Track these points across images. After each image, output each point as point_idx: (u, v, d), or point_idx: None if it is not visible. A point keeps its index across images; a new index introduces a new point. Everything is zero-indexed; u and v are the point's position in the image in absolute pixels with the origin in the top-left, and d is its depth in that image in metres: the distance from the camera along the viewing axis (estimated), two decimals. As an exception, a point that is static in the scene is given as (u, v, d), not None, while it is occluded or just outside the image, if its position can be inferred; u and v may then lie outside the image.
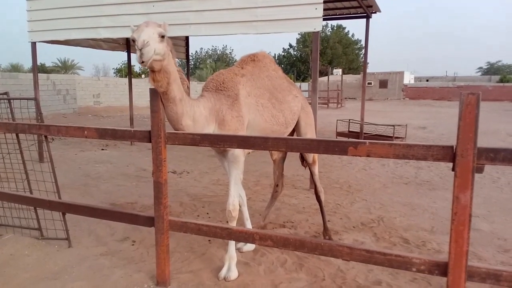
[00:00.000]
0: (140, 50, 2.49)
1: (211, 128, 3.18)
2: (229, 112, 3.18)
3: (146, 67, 2.65)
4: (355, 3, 9.93)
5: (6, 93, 3.85)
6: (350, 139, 2.48)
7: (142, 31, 2.54)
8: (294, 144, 2.66)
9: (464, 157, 2.12)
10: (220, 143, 2.83)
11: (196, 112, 3.07)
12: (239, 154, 3.24)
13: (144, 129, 3.03)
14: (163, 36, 2.65)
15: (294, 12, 5.93)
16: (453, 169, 2.18)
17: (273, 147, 2.75)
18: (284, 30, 6.18)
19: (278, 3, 6.00)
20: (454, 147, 2.15)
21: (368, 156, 2.38)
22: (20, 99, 3.84)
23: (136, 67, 40.50)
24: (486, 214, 5.08)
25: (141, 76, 39.23)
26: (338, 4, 10.21)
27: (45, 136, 3.66)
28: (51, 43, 8.42)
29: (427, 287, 3.21)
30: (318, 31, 5.96)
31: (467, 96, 2.08)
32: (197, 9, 6.44)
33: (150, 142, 2.98)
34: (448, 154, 2.19)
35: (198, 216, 4.96)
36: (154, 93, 2.88)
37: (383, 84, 43.55)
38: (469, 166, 2.12)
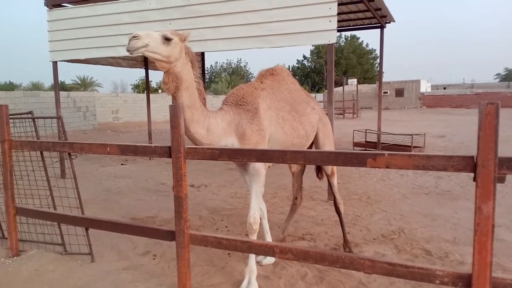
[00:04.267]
0: (129, 40, 2.75)
1: (230, 141, 3.23)
2: (249, 126, 3.23)
3: (132, 55, 2.92)
4: (369, 14, 9.96)
5: (30, 112, 3.99)
6: (369, 151, 2.49)
7: (145, 31, 2.84)
8: (313, 157, 2.68)
9: (485, 167, 2.10)
10: (239, 157, 2.87)
11: (212, 123, 3.15)
12: (259, 167, 3.27)
13: (164, 145, 3.09)
14: (168, 39, 2.85)
15: (308, 25, 5.99)
16: (474, 179, 2.16)
17: (291, 160, 2.77)
18: (298, 43, 6.24)
19: (292, 17, 6.08)
20: (475, 157, 2.14)
21: (387, 167, 2.38)
22: (45, 118, 3.97)
23: (153, 83, 41.24)
24: (509, 224, 4.97)
25: (158, 92, 39.83)
26: (352, 16, 10.26)
27: (69, 153, 3.76)
28: (72, 62, 8.68)
29: (451, 299, 3.14)
30: (332, 43, 6.00)
31: (486, 106, 2.07)
32: (213, 26, 6.58)
33: (170, 157, 3.03)
34: (469, 164, 2.17)
35: (217, 229, 4.99)
36: (174, 109, 2.94)
37: (399, 93, 43.16)
38: (491, 176, 2.10)
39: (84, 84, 44.70)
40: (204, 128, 3.09)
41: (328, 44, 6.06)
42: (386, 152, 2.37)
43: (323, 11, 5.84)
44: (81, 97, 20.48)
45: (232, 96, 3.42)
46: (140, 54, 2.85)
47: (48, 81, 45.92)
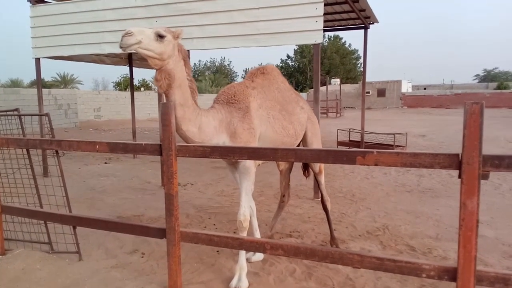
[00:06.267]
0: (122, 36, 2.74)
1: (221, 139, 3.26)
2: (240, 124, 3.26)
3: (125, 51, 2.94)
4: (353, 15, 10.08)
5: (16, 110, 3.93)
6: (358, 149, 2.56)
7: (138, 28, 2.84)
8: (303, 155, 2.73)
9: (470, 165, 2.18)
10: (230, 155, 2.90)
11: (203, 122, 3.17)
12: (250, 165, 3.31)
13: (154, 142, 3.10)
14: (161, 36, 2.86)
15: (295, 25, 6.04)
16: (459, 176, 2.25)
17: (282, 158, 2.82)
18: (285, 42, 6.29)
19: (279, 17, 6.12)
20: (460, 155, 2.22)
21: (376, 165, 2.45)
22: (31, 115, 3.92)
23: (136, 80, 40.82)
24: (489, 220, 5.12)
25: (140, 89, 39.44)
26: (337, 16, 10.37)
27: (56, 151, 3.72)
28: (55, 59, 8.54)
29: (435, 293, 3.25)
30: (319, 43, 6.07)
31: (471, 105, 2.15)
32: (199, 24, 6.57)
33: (161, 155, 3.04)
34: (454, 162, 2.25)
35: (205, 227, 5.01)
36: (165, 107, 2.95)
37: (381, 93, 43.82)
38: (475, 173, 2.18)
39: (65, 81, 43.96)
40: (196, 126, 3.11)
41: (314, 44, 6.13)
42: (375, 150, 2.44)
43: (309, 11, 5.90)
44: (62, 95, 20.13)
45: (223, 94, 3.44)
46: (133, 51, 2.84)
47: (27, 78, 44.98)
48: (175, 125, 3.01)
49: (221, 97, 3.43)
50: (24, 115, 3.85)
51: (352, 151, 2.51)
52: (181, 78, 3.01)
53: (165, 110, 2.98)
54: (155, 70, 2.97)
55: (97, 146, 3.34)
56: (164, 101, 3.11)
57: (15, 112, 3.87)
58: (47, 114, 3.64)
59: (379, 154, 2.42)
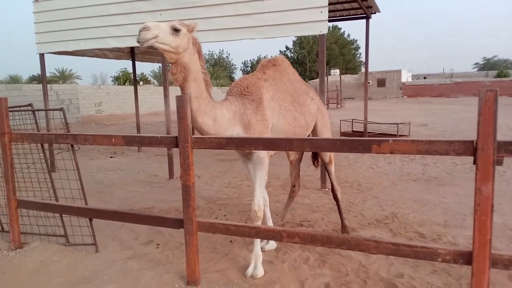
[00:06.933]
0: (139, 31, 2.78)
1: (235, 131, 3.31)
2: (253, 115, 3.31)
3: (142, 46, 3.00)
4: (355, 5, 10.07)
5: (30, 105, 3.98)
6: (373, 138, 2.61)
7: (154, 22, 2.88)
8: (319, 144, 2.79)
9: (485, 151, 2.24)
10: (246, 146, 2.95)
11: (218, 114, 3.22)
12: (264, 156, 3.36)
13: (170, 135, 3.15)
14: (177, 30, 2.90)
15: (299, 16, 6.06)
16: (474, 163, 2.31)
17: (298, 148, 2.87)
18: (290, 33, 6.32)
19: (284, 8, 6.13)
20: (475, 141, 2.28)
21: (391, 153, 2.50)
22: (47, 110, 3.97)
23: (135, 74, 40.65)
24: (496, 207, 5.10)
25: (139, 83, 39.35)
26: (339, 6, 10.35)
27: (72, 145, 3.78)
28: (59, 54, 8.54)
29: (447, 278, 3.32)
30: (323, 34, 6.10)
31: (486, 93, 2.21)
32: (205, 16, 6.57)
33: (177, 147, 3.09)
34: (469, 148, 2.31)
35: (216, 218, 5.07)
36: (180, 100, 2.99)
37: (381, 83, 43.83)
38: (490, 159, 2.24)
39: (63, 77, 43.81)
40: (211, 119, 3.16)
41: (319, 35, 6.16)
42: (390, 139, 2.50)
43: (314, 2, 5.92)
44: (63, 90, 20.16)
45: (236, 86, 3.49)
46: (150, 45, 2.88)
47: (25, 74, 44.87)
48: (191, 118, 3.06)
49: (234, 89, 3.47)
50: (38, 110, 3.89)
51: (368, 140, 2.56)
52: (196, 71, 3.06)
53: (181, 103, 3.02)
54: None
55: (113, 140, 3.39)
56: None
57: (28, 107, 3.91)
58: (61, 109, 3.69)
59: (394, 142, 2.47)
